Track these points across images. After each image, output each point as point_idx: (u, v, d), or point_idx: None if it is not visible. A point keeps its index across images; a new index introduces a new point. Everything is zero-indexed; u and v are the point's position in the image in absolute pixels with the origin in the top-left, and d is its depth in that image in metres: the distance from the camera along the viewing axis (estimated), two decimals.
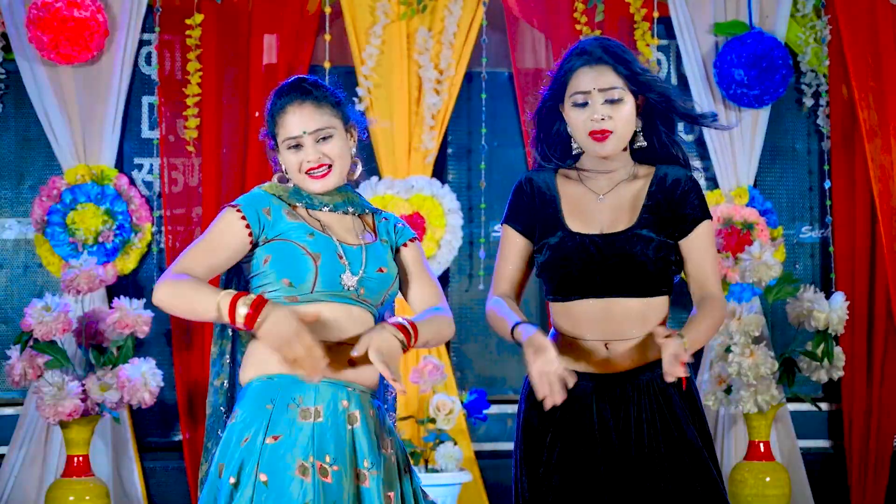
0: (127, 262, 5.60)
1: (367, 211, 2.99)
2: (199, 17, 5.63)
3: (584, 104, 3.00)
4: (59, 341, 5.08)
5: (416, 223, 5.68)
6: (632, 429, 2.97)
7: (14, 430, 5.49)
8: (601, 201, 3.05)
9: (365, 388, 2.87)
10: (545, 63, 5.80)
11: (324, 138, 2.89)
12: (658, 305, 3.02)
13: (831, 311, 5.31)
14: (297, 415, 2.79)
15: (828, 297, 5.39)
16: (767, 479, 5.38)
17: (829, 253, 5.99)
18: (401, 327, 2.81)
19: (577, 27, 5.75)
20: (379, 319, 2.93)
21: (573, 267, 3.00)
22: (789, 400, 5.56)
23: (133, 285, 5.65)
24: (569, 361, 3.00)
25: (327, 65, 5.69)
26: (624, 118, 3.01)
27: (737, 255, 5.66)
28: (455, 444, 5.31)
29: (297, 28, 5.68)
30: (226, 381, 2.94)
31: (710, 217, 3.06)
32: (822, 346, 5.33)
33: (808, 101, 5.96)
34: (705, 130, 5.81)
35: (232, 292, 2.75)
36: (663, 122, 3.10)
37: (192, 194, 5.62)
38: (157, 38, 5.68)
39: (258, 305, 2.71)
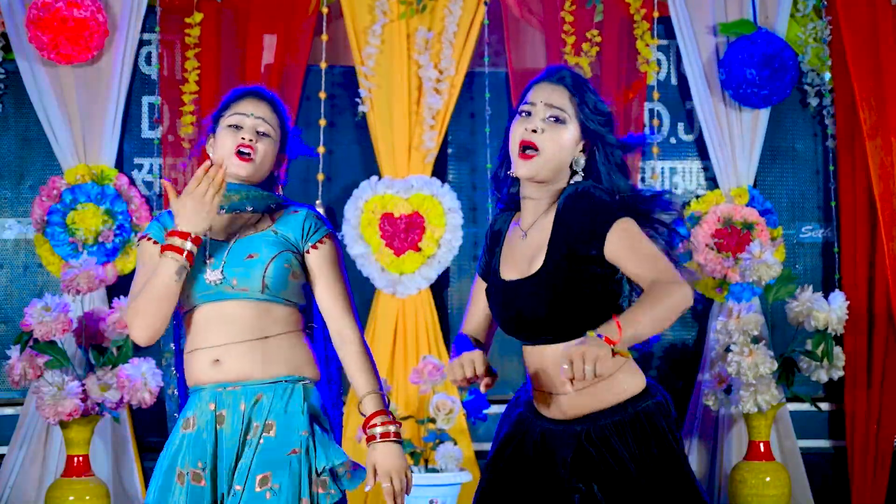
0: (127, 262, 5.60)
1: (272, 207, 3.04)
2: (198, 17, 5.63)
3: (528, 114, 2.85)
4: (59, 341, 5.08)
5: (416, 222, 5.68)
6: (571, 472, 2.81)
7: (14, 430, 5.50)
8: (524, 239, 2.87)
9: (241, 382, 2.93)
10: (544, 63, 5.80)
11: (263, 133, 3.02)
12: None
13: (831, 311, 5.32)
14: (181, 425, 2.96)
15: (827, 297, 5.39)
16: (767, 479, 5.38)
17: (829, 253, 5.99)
18: (384, 414, 2.94)
19: (571, 28, 5.75)
20: (299, 313, 3.02)
21: (501, 315, 2.89)
22: (789, 400, 5.56)
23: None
24: (534, 401, 2.94)
25: (324, 65, 5.69)
26: (558, 141, 2.81)
27: (737, 255, 5.66)
28: (455, 444, 5.31)
29: (297, 28, 5.69)
30: (175, 390, 3.06)
31: (621, 216, 2.76)
32: (822, 346, 5.33)
33: (811, 101, 5.96)
34: (705, 130, 5.81)
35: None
36: (605, 163, 2.85)
37: None
38: (157, 38, 5.69)
39: (171, 233, 2.90)
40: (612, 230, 2.75)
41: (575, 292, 2.77)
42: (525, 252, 2.86)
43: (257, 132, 3.01)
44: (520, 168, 2.83)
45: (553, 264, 2.78)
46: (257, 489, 2.84)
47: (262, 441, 2.89)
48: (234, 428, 2.91)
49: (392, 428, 2.94)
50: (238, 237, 2.99)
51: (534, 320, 2.82)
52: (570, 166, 2.86)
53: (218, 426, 2.92)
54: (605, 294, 2.81)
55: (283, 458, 2.87)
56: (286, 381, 2.95)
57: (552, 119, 2.83)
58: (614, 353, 2.56)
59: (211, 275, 2.93)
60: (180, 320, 3.07)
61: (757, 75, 5.67)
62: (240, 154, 2.99)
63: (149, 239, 3.04)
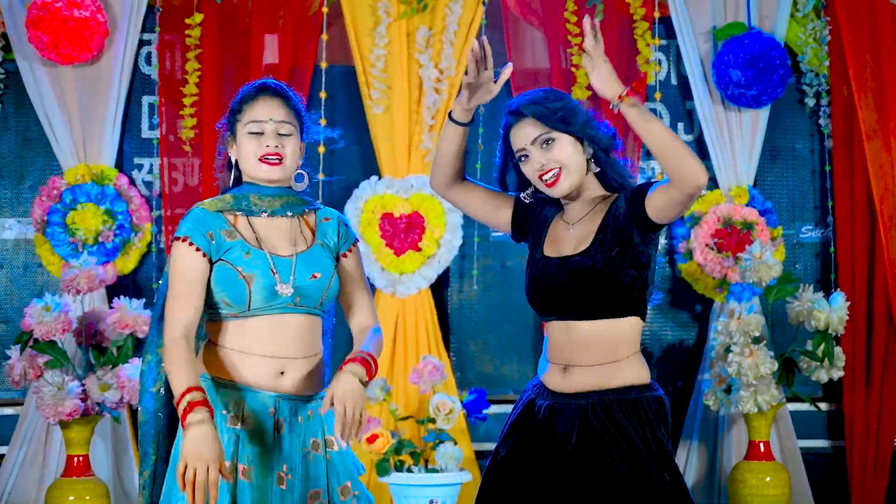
0: (127, 262, 5.61)
1: (306, 211, 3.12)
2: (198, 17, 5.64)
3: (527, 156, 3.12)
4: (59, 341, 5.09)
5: (416, 222, 5.68)
6: (576, 446, 3.02)
7: (14, 430, 5.50)
8: (571, 231, 3.14)
9: (297, 396, 3.01)
10: (545, 63, 5.80)
11: (285, 134, 3.05)
12: (621, 329, 3.07)
13: (831, 311, 5.32)
14: (226, 420, 2.96)
15: (828, 297, 5.39)
16: (767, 479, 5.38)
17: (828, 253, 5.99)
18: (362, 362, 2.95)
19: (571, 28, 5.75)
20: (326, 319, 3.11)
21: (537, 288, 3.13)
22: (789, 400, 5.56)
23: (133, 285, 5.66)
24: (545, 379, 3.13)
25: (324, 64, 5.69)
26: (564, 154, 3.09)
27: (737, 255, 5.66)
28: (455, 444, 5.30)
29: (298, 28, 5.68)
30: (162, 388, 3.06)
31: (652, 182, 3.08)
32: (822, 346, 5.33)
33: (810, 101, 5.95)
34: (705, 130, 5.82)
35: (186, 385, 2.85)
36: (600, 150, 3.15)
37: (192, 194, 5.61)
38: (158, 38, 5.69)
39: (193, 406, 2.81)
40: (651, 189, 3.01)
41: (610, 275, 3.03)
42: (570, 239, 3.12)
43: (279, 135, 3.04)
44: (554, 192, 3.12)
45: (599, 244, 3.05)
46: (341, 498, 3.01)
47: (328, 456, 3.03)
48: (291, 437, 2.99)
49: (354, 366, 2.95)
50: (297, 252, 3.04)
51: (567, 294, 3.05)
52: (587, 160, 3.13)
53: (277, 432, 2.98)
54: (637, 282, 3.05)
55: (351, 466, 3.07)
56: (320, 397, 3.06)
57: (546, 144, 3.09)
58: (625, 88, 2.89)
59: (284, 288, 2.99)
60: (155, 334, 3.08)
61: (742, 76, 5.67)
62: (267, 161, 3.03)
63: (185, 240, 3.00)
